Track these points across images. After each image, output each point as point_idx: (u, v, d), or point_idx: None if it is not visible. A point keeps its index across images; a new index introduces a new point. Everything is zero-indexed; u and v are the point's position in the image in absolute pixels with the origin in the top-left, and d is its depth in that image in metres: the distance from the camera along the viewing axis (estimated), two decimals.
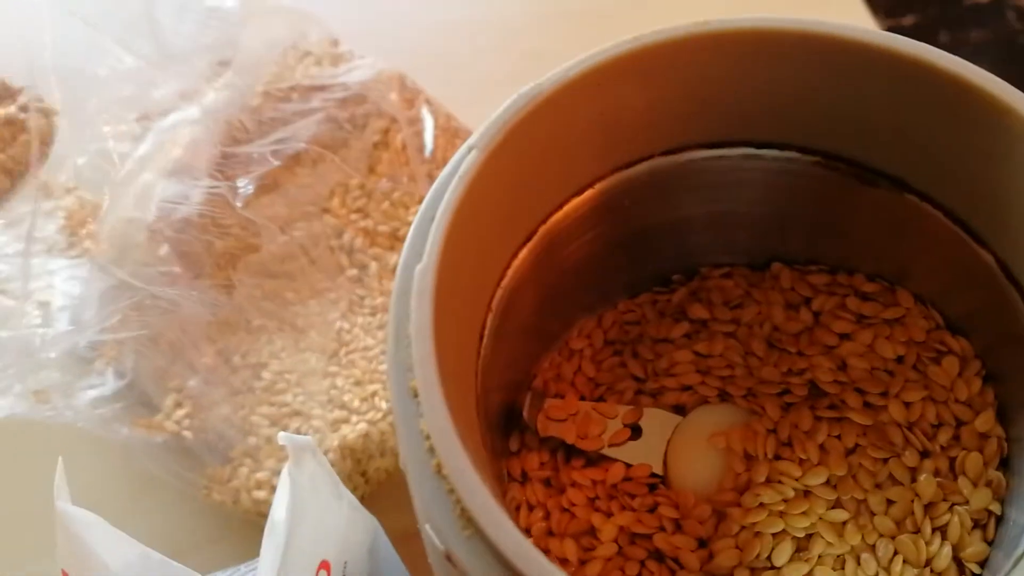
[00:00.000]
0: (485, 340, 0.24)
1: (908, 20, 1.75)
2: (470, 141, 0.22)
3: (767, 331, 0.28)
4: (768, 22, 0.23)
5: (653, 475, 0.27)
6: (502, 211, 0.23)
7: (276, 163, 0.35)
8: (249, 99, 0.41)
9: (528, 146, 0.23)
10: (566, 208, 0.26)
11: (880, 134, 0.25)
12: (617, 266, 0.29)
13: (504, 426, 0.28)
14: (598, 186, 0.26)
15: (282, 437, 0.22)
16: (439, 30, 0.55)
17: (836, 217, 0.27)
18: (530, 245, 0.25)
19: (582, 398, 0.29)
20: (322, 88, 0.42)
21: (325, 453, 0.31)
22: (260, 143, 0.37)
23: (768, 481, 0.26)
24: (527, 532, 0.26)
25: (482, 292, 0.24)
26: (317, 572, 0.24)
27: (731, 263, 0.30)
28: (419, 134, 0.42)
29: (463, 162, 0.22)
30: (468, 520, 0.18)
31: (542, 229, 0.25)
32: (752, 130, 0.26)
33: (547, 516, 0.27)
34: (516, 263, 0.25)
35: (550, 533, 0.26)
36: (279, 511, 0.22)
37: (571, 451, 0.28)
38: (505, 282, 0.25)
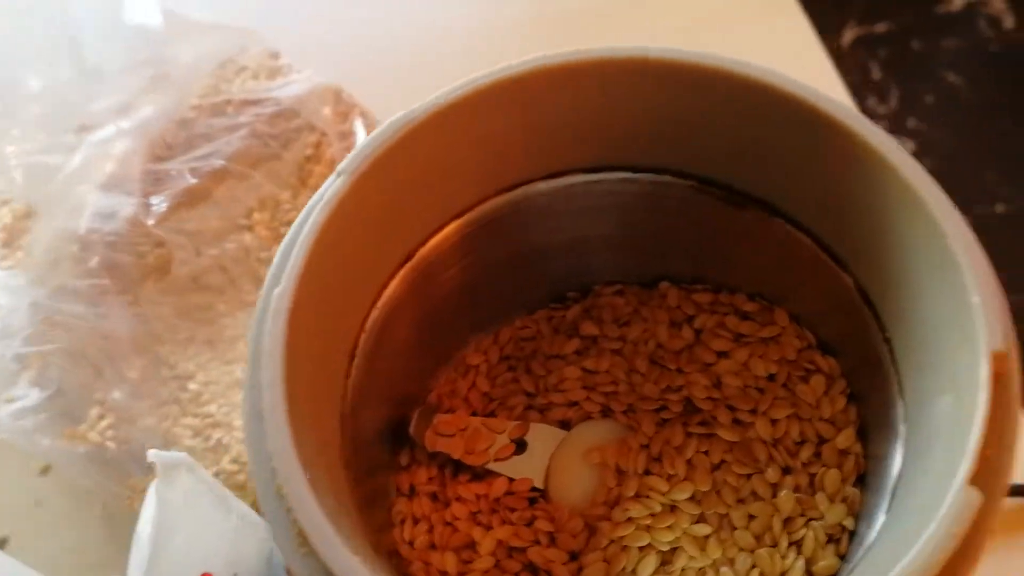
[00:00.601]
0: (357, 360, 0.25)
1: (881, 27, 1.75)
2: (339, 167, 0.23)
3: (651, 348, 0.29)
4: (639, 51, 0.24)
5: (535, 489, 0.28)
6: (373, 236, 0.24)
7: (193, 180, 0.36)
8: (181, 113, 0.41)
9: (400, 172, 0.24)
10: (446, 231, 0.26)
11: (747, 160, 0.26)
12: (509, 285, 0.30)
13: (393, 440, 0.29)
14: (479, 209, 0.27)
15: (151, 455, 0.23)
16: (390, 43, 0.55)
17: (715, 239, 0.28)
18: (407, 267, 0.26)
19: (475, 413, 0.29)
20: (253, 103, 0.42)
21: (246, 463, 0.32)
22: (181, 159, 0.37)
23: (637, 496, 0.26)
24: (410, 545, 0.27)
25: (352, 314, 0.24)
26: None
27: (623, 281, 0.31)
28: (350, 148, 0.43)
29: (330, 187, 0.23)
30: (303, 539, 0.19)
31: (420, 252, 0.26)
32: (629, 156, 0.27)
33: (431, 529, 0.27)
34: (393, 284, 0.26)
35: (432, 546, 0.27)
36: (144, 527, 0.22)
37: (459, 466, 0.28)
38: (381, 303, 0.25)
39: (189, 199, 0.36)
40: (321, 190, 0.23)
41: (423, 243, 0.26)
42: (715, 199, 0.27)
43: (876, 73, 1.60)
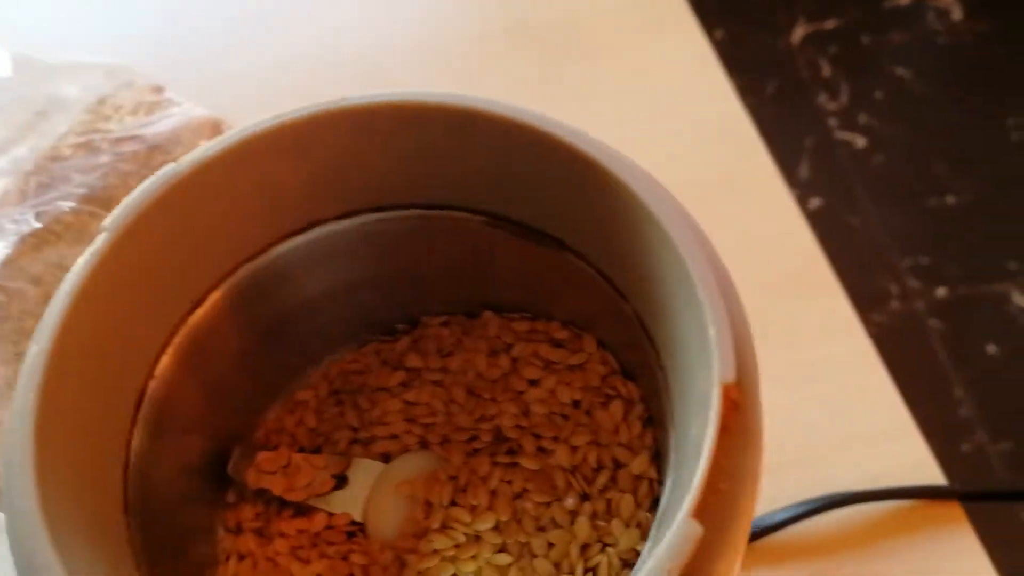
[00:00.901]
0: (144, 407, 0.25)
1: (830, 24, 1.74)
2: (103, 223, 0.23)
3: (470, 378, 0.29)
4: (401, 96, 0.25)
5: (356, 523, 0.28)
6: (137, 299, 0.24)
7: (37, 225, 0.36)
8: (54, 153, 0.42)
9: (172, 224, 0.24)
10: (223, 287, 0.27)
11: (528, 197, 0.26)
12: (331, 318, 0.30)
13: (219, 478, 0.29)
14: (273, 251, 0.27)
15: None
16: (280, 73, 0.55)
17: (519, 270, 0.28)
18: (181, 335, 0.26)
19: (301, 449, 0.30)
20: (125, 139, 0.43)
21: None
22: (30, 203, 0.38)
23: (443, 527, 0.27)
24: None
25: (125, 383, 0.24)
26: None
27: (450, 312, 0.31)
28: None
29: (92, 245, 0.23)
30: None
31: (192, 318, 0.26)
32: (417, 194, 0.27)
33: (255, 565, 0.28)
34: (167, 357, 0.26)
35: None
36: None
37: (284, 502, 0.29)
38: (158, 373, 0.26)
39: (34, 245, 0.37)
40: (85, 249, 0.23)
41: (192, 309, 0.26)
42: (509, 234, 0.27)
43: (826, 70, 1.60)
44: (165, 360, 0.25)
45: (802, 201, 1.27)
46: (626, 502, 0.26)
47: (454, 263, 0.29)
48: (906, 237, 1.23)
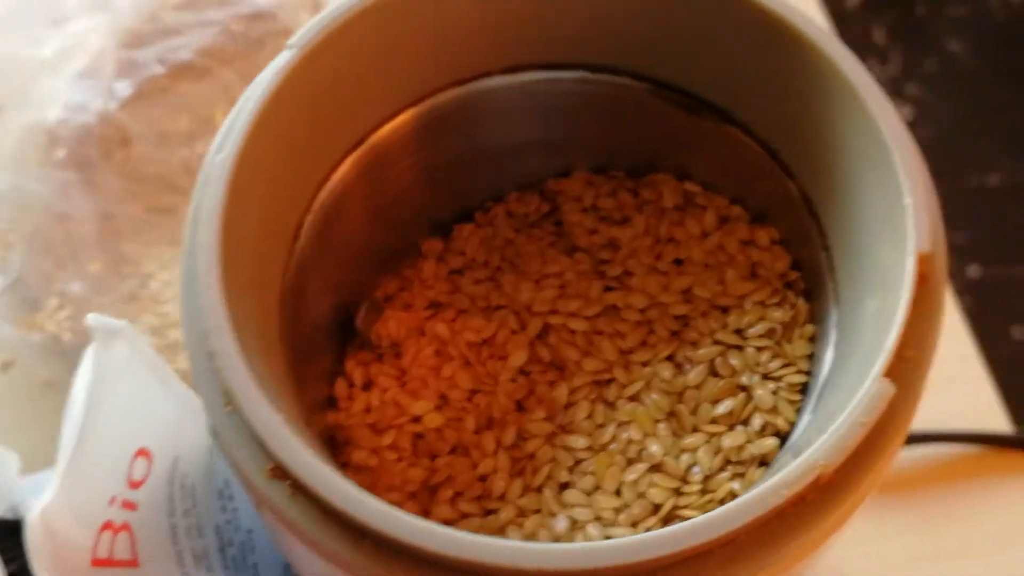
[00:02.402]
0: (303, 239, 0.25)
1: None
2: (290, 40, 0.23)
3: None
4: None
5: None
6: (321, 114, 0.24)
7: (160, 70, 0.36)
8: (154, 7, 0.41)
9: (352, 51, 0.24)
10: (399, 119, 0.26)
11: (704, 65, 0.26)
12: (466, 183, 0.30)
13: (344, 330, 0.29)
14: (434, 99, 0.27)
15: (90, 318, 0.23)
16: None
17: (673, 142, 0.28)
18: (359, 153, 0.26)
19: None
20: (229, 2, 0.42)
21: None
22: (149, 49, 0.37)
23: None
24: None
25: (299, 191, 0.25)
26: (133, 459, 0.25)
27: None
28: None
29: (278, 60, 0.23)
30: (228, 397, 0.19)
31: (372, 138, 0.26)
32: (587, 54, 0.27)
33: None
34: (343, 168, 0.26)
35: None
36: (78, 392, 0.23)
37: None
38: (329, 185, 0.25)
39: (156, 92, 0.36)
40: (271, 63, 0.23)
41: (375, 129, 0.26)
42: (671, 104, 0.27)
43: (879, 37, 1.58)
44: (341, 170, 0.25)
45: None
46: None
47: (594, 133, 0.29)
48: (944, 213, 1.22)
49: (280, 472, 0.19)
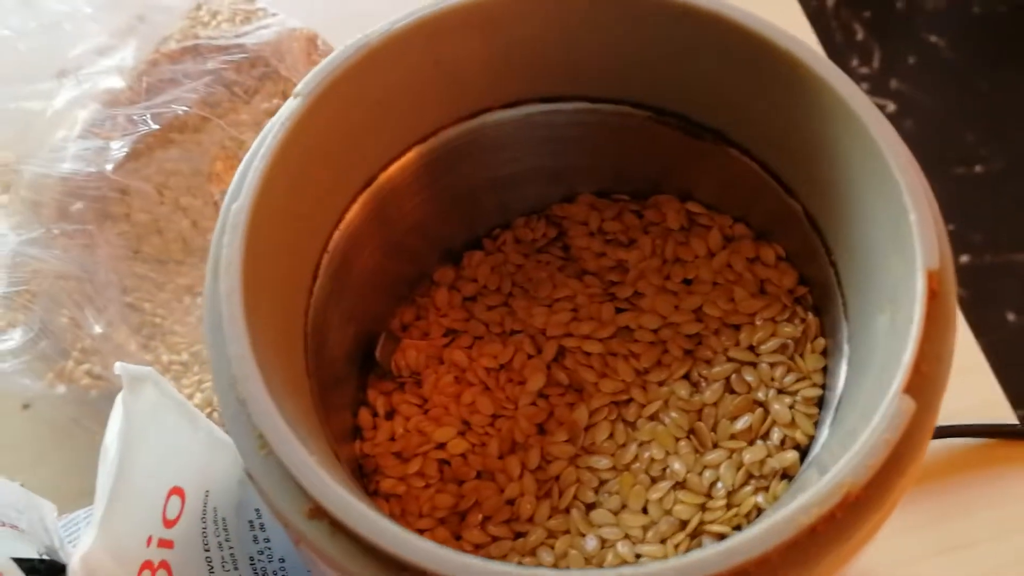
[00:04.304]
0: (321, 279, 0.25)
1: None
2: (296, 88, 0.24)
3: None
4: None
5: None
6: (331, 158, 0.25)
7: (155, 127, 0.36)
8: (153, 58, 0.42)
9: (357, 95, 0.24)
10: (405, 158, 0.27)
11: (700, 90, 0.26)
12: (475, 213, 0.30)
13: (363, 361, 0.29)
14: (439, 137, 0.27)
15: (118, 367, 0.23)
16: None
17: (675, 165, 0.29)
18: (368, 193, 0.26)
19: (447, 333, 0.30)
20: (223, 48, 0.42)
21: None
22: (144, 105, 0.37)
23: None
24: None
25: (314, 234, 0.25)
26: (168, 498, 0.26)
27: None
28: None
29: (286, 109, 0.23)
30: (263, 440, 0.20)
31: (380, 178, 0.27)
32: (588, 86, 0.27)
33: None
34: (355, 209, 0.26)
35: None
36: (111, 439, 0.23)
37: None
38: (343, 226, 0.26)
39: (151, 146, 0.37)
40: (279, 112, 0.24)
41: (383, 169, 0.26)
42: (672, 128, 0.27)
43: (860, 34, 1.59)
44: (354, 210, 0.26)
45: None
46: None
47: (599, 161, 0.29)
48: None
49: (318, 512, 0.19)
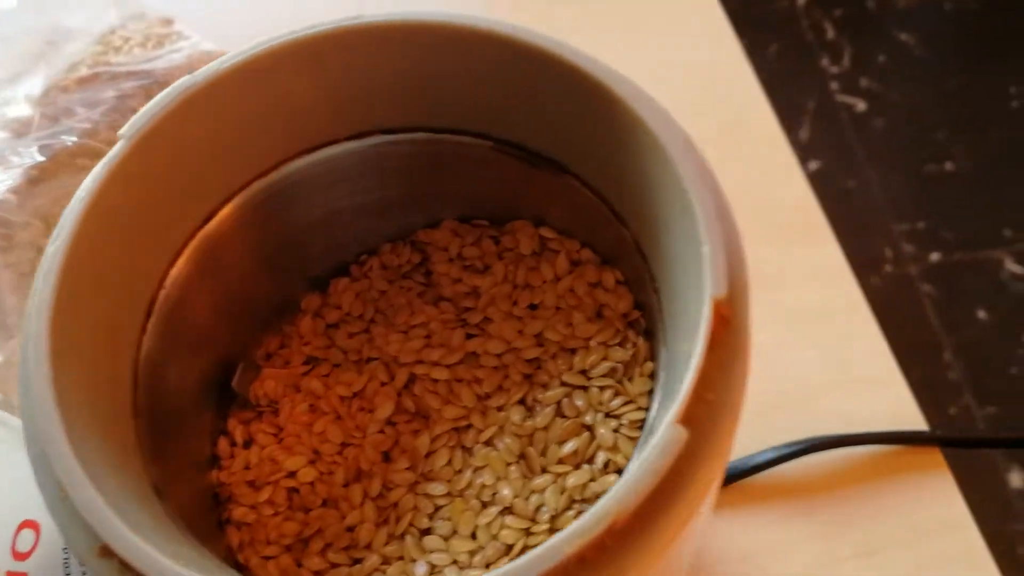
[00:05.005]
0: (154, 318, 0.26)
1: None
2: (120, 130, 0.24)
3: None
4: (411, 16, 0.25)
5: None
6: (163, 197, 0.25)
7: (41, 159, 0.37)
8: (65, 83, 0.42)
9: (187, 135, 0.25)
10: (252, 188, 0.27)
11: (536, 123, 0.27)
12: (338, 240, 0.31)
13: (224, 390, 0.30)
14: (283, 169, 0.28)
15: None
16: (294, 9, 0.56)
17: (523, 194, 0.29)
18: (206, 229, 0.27)
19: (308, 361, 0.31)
20: (130, 75, 0.43)
21: None
22: (35, 136, 0.38)
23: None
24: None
25: (144, 275, 0.25)
26: (18, 531, 0.27)
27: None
28: None
29: (112, 150, 0.24)
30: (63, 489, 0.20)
31: (222, 211, 0.27)
32: (425, 118, 0.28)
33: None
34: (192, 246, 0.27)
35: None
36: None
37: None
38: (180, 263, 0.26)
39: (43, 179, 0.37)
40: (107, 154, 0.24)
41: (223, 204, 0.27)
42: (513, 158, 0.28)
43: (830, 32, 1.59)
44: (179, 266, 0.26)
45: (801, 163, 1.27)
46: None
47: (452, 187, 0.30)
48: (903, 202, 1.24)
49: (107, 551, 0.20)
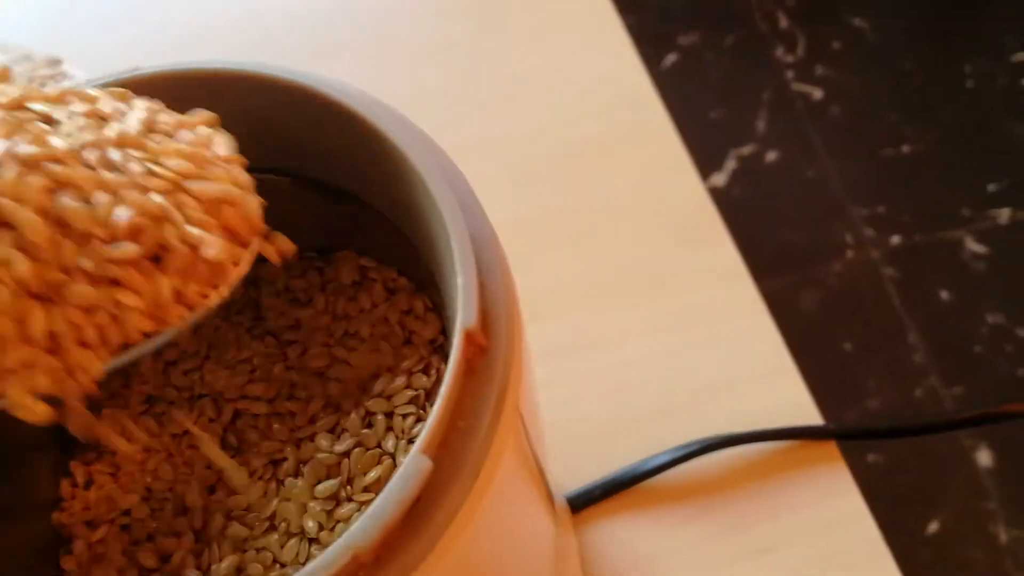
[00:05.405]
0: None
1: None
2: None
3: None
4: (187, 66, 0.26)
5: None
6: None
7: None
8: None
9: None
10: None
11: (326, 159, 0.27)
12: None
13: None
14: None
15: None
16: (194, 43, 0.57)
17: (339, 226, 0.30)
18: None
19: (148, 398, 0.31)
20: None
21: None
22: None
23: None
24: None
25: None
26: None
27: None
28: None
29: None
30: None
31: None
32: None
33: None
34: None
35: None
36: None
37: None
38: None
39: None
40: None
41: None
42: (314, 192, 0.29)
43: (784, 22, 1.59)
44: None
45: (759, 154, 1.28)
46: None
47: (285, 220, 0.31)
48: (862, 187, 1.24)
49: None
